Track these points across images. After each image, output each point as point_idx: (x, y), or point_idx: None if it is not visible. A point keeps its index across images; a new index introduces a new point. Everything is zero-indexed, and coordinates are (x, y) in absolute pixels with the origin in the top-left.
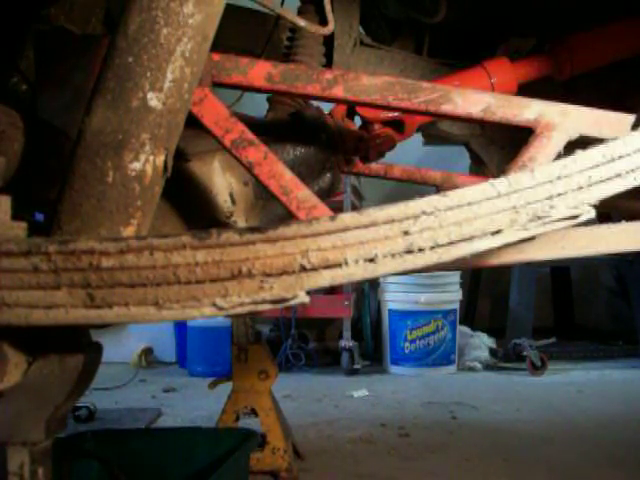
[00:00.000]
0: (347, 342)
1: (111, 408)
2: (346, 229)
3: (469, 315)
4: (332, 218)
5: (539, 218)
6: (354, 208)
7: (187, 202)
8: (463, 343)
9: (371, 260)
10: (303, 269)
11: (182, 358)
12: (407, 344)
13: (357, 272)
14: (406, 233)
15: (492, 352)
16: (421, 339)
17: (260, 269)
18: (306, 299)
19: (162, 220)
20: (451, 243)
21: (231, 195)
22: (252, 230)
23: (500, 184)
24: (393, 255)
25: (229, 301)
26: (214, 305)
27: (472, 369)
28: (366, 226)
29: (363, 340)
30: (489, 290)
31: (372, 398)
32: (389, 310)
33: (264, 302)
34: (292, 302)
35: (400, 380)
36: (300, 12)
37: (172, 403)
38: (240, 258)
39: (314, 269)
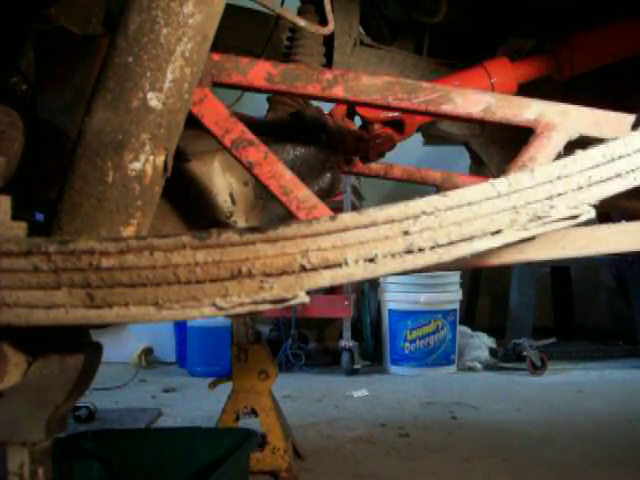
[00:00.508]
0: (347, 342)
1: (111, 408)
2: (346, 229)
3: (469, 315)
4: (332, 218)
5: (539, 218)
6: (354, 208)
7: (187, 202)
8: (463, 343)
9: (371, 260)
10: (303, 269)
11: (182, 358)
12: (407, 344)
13: (357, 272)
14: (406, 233)
15: (492, 352)
16: (421, 339)
17: (260, 269)
18: (306, 299)
19: (162, 220)
20: (451, 243)
21: (231, 195)
22: (252, 230)
23: (500, 184)
24: (393, 255)
25: (229, 301)
26: (214, 305)
27: (472, 369)
28: (366, 226)
29: (363, 340)
30: (489, 290)
31: (372, 398)
32: (389, 310)
33: (264, 302)
34: (292, 302)
35: (400, 380)
36: (300, 12)
37: (172, 403)
38: (240, 258)
39: (314, 269)
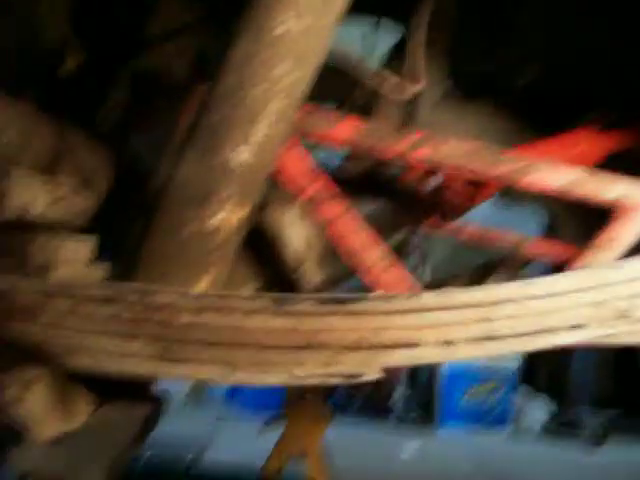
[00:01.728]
0: (399, 392)
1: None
2: (424, 309)
3: (529, 377)
4: (410, 296)
5: (624, 316)
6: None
7: (258, 249)
8: (521, 405)
9: (448, 343)
10: (378, 346)
11: (233, 391)
12: (462, 402)
13: (432, 354)
14: (487, 319)
15: (550, 417)
16: (477, 397)
17: (335, 342)
18: (378, 376)
19: (233, 265)
20: (533, 333)
21: (304, 244)
22: (331, 300)
23: (587, 276)
24: (471, 340)
25: (304, 371)
26: (290, 374)
27: (528, 433)
28: (446, 308)
29: (416, 391)
30: (551, 353)
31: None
32: (447, 365)
33: (337, 376)
34: (364, 379)
35: (451, 440)
36: (388, 62)
37: (220, 437)
38: (317, 328)
39: (389, 347)
